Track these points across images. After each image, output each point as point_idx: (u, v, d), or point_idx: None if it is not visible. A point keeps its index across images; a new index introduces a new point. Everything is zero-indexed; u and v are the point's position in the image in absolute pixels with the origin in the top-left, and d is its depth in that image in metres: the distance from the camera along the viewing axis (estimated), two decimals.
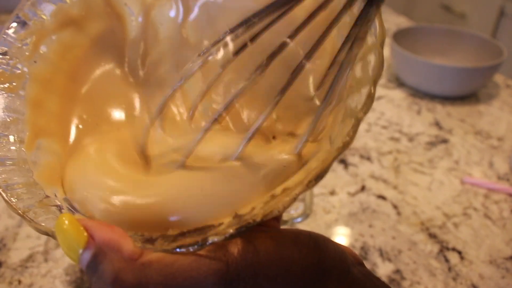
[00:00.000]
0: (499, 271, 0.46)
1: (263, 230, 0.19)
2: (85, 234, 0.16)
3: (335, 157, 0.16)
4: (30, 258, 0.47)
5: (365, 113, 0.16)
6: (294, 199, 0.16)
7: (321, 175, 0.16)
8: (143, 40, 0.29)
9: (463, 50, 0.86)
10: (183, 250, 0.16)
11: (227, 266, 0.17)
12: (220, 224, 0.17)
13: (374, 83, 0.17)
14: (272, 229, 0.19)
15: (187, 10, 0.28)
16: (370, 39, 0.18)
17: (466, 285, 0.45)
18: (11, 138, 0.23)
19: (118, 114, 0.27)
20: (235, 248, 0.18)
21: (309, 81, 0.25)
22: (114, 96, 0.27)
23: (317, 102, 0.24)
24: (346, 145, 0.16)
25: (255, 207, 0.17)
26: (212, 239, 0.16)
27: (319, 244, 0.19)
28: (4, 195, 0.20)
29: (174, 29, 0.29)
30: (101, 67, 0.28)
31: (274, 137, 0.25)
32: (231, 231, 0.16)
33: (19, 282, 0.44)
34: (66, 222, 0.16)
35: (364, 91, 0.17)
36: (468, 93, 0.79)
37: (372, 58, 0.18)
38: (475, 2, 1.52)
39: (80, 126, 0.26)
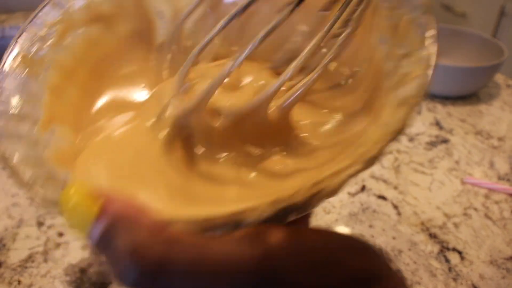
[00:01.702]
0: (500, 272, 0.46)
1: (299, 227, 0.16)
2: (97, 203, 0.14)
3: (390, 139, 0.15)
4: (30, 258, 0.47)
5: (422, 98, 0.17)
6: (344, 182, 0.15)
7: (375, 157, 0.15)
8: (171, 45, 0.28)
9: (463, 49, 0.86)
10: (214, 232, 0.14)
11: (264, 253, 0.14)
12: (258, 206, 0.15)
13: (429, 68, 0.17)
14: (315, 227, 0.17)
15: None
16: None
17: (466, 286, 0.45)
18: (26, 119, 0.22)
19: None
20: (276, 235, 0.14)
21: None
22: (135, 100, 0.27)
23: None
24: (401, 130, 0.16)
25: (299, 190, 0.15)
26: (247, 220, 0.14)
27: (367, 248, 0.16)
28: (12, 164, 0.19)
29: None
30: (125, 68, 0.27)
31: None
32: (267, 214, 0.14)
33: (19, 282, 0.44)
34: (74, 189, 0.14)
35: (420, 76, 0.17)
36: (468, 93, 0.79)
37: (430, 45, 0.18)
38: (475, 2, 1.51)
39: (96, 124, 0.25)
